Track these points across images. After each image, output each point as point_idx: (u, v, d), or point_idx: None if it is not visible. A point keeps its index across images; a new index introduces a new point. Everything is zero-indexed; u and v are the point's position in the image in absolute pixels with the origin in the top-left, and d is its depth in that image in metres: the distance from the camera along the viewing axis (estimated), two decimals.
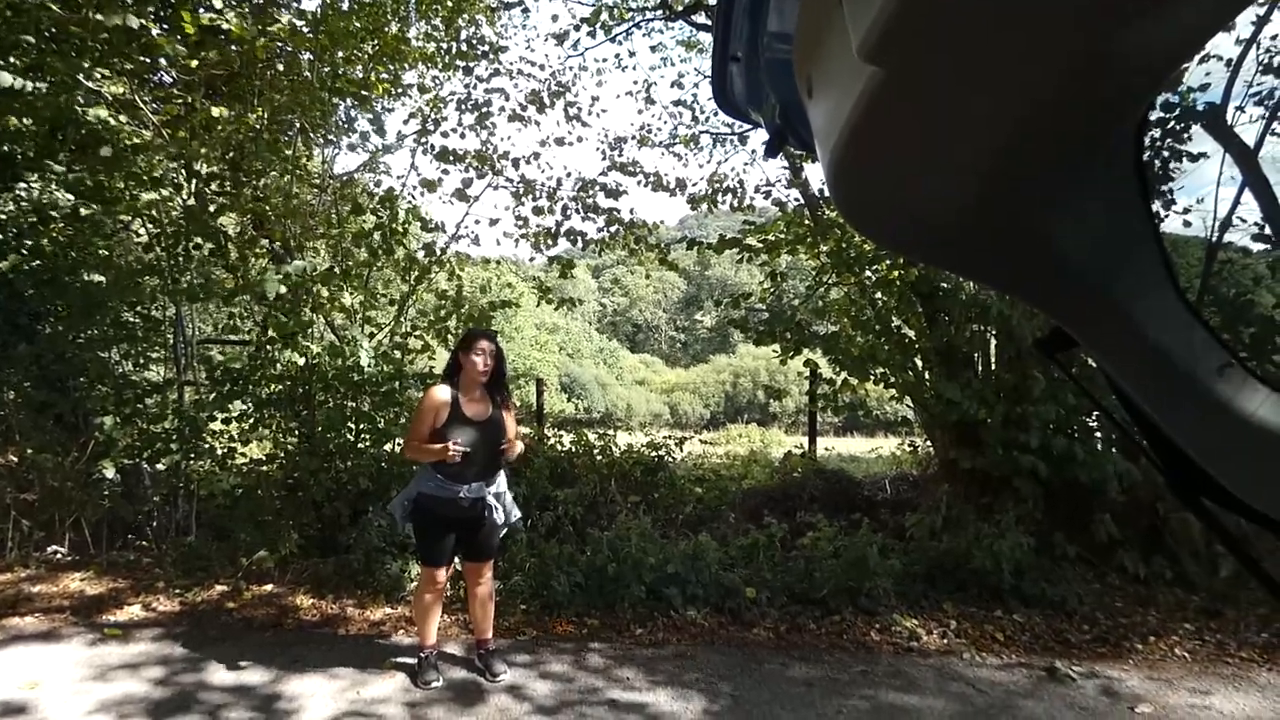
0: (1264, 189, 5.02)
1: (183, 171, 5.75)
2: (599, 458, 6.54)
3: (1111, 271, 0.67)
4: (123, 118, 5.39)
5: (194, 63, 5.43)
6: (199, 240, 5.81)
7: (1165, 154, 5.17)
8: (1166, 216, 5.47)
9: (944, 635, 4.19)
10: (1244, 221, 5.29)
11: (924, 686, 3.59)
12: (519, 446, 3.72)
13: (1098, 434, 5.19)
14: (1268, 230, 5.23)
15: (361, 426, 5.63)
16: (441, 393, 3.43)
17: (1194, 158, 5.33)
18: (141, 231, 5.73)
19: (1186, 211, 5.54)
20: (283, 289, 5.04)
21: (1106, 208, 0.65)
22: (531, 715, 3.24)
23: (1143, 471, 4.75)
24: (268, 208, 6.00)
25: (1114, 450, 4.99)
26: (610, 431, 7.11)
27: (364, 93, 6.64)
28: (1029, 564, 4.57)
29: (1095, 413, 5.02)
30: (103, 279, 5.49)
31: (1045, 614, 4.38)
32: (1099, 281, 0.67)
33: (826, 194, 6.52)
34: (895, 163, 0.61)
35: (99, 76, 5.39)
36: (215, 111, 5.14)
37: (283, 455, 5.73)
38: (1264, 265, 5.54)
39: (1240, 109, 5.53)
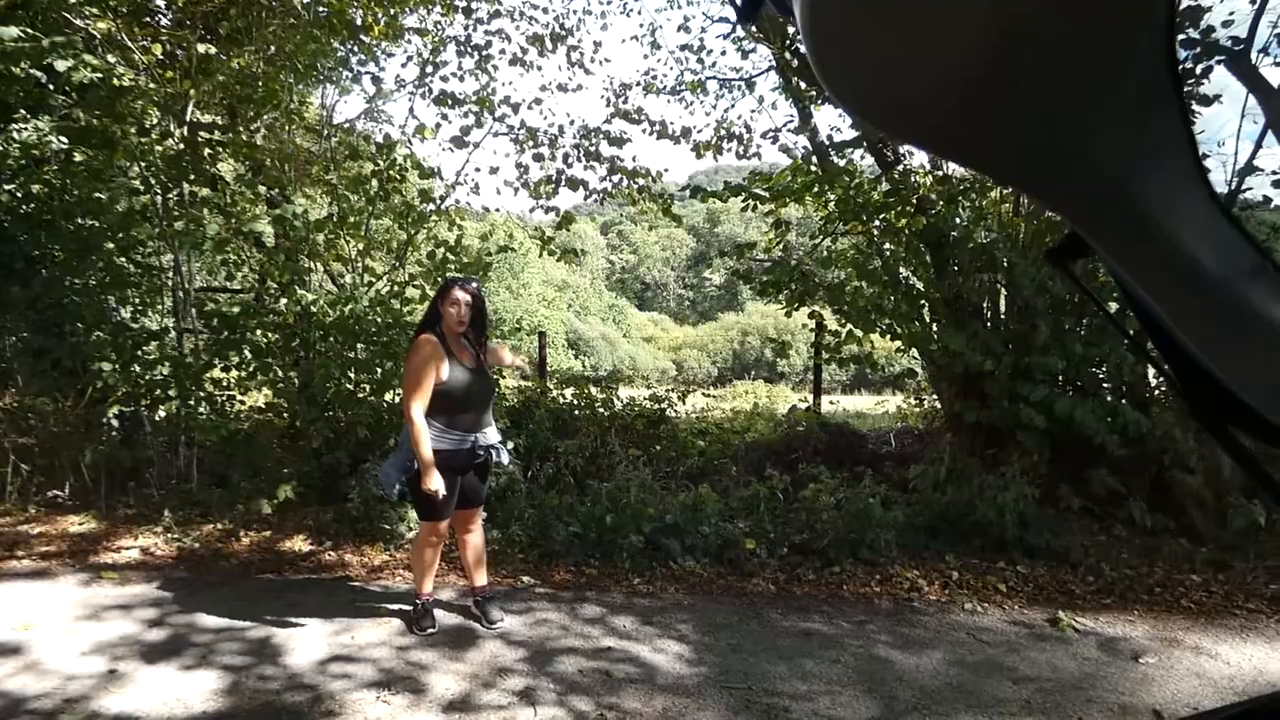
0: None
1: (172, 117, 5.61)
2: (601, 410, 6.48)
3: (1135, 161, 0.56)
4: (111, 58, 5.24)
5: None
6: (194, 187, 5.72)
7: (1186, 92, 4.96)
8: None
9: (945, 586, 4.14)
10: (1263, 170, 5.11)
11: (923, 637, 3.55)
12: (515, 359, 3.90)
13: (1105, 385, 5.07)
14: None
15: (362, 376, 5.58)
16: (434, 343, 3.30)
17: (1207, 101, 5.12)
18: (135, 174, 5.60)
19: (1205, 158, 5.34)
20: (271, 230, 4.94)
21: (1135, 91, 0.54)
22: (523, 662, 3.22)
23: (1152, 421, 4.65)
24: (266, 153, 5.87)
25: (1123, 401, 4.88)
26: (612, 385, 7.03)
27: (362, 37, 6.45)
28: (1033, 515, 4.50)
29: (1102, 362, 4.90)
30: (96, 223, 5.39)
31: (1049, 565, 4.33)
32: (1120, 171, 0.56)
33: (834, 138, 6.34)
34: (883, 11, 0.50)
35: (88, 14, 5.23)
36: (202, 48, 4.98)
37: (282, 403, 5.70)
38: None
39: (1264, 51, 5.29)
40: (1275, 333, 0.56)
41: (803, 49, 0.56)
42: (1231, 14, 5.49)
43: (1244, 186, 5.12)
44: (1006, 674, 3.19)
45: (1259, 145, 5.10)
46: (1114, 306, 4.72)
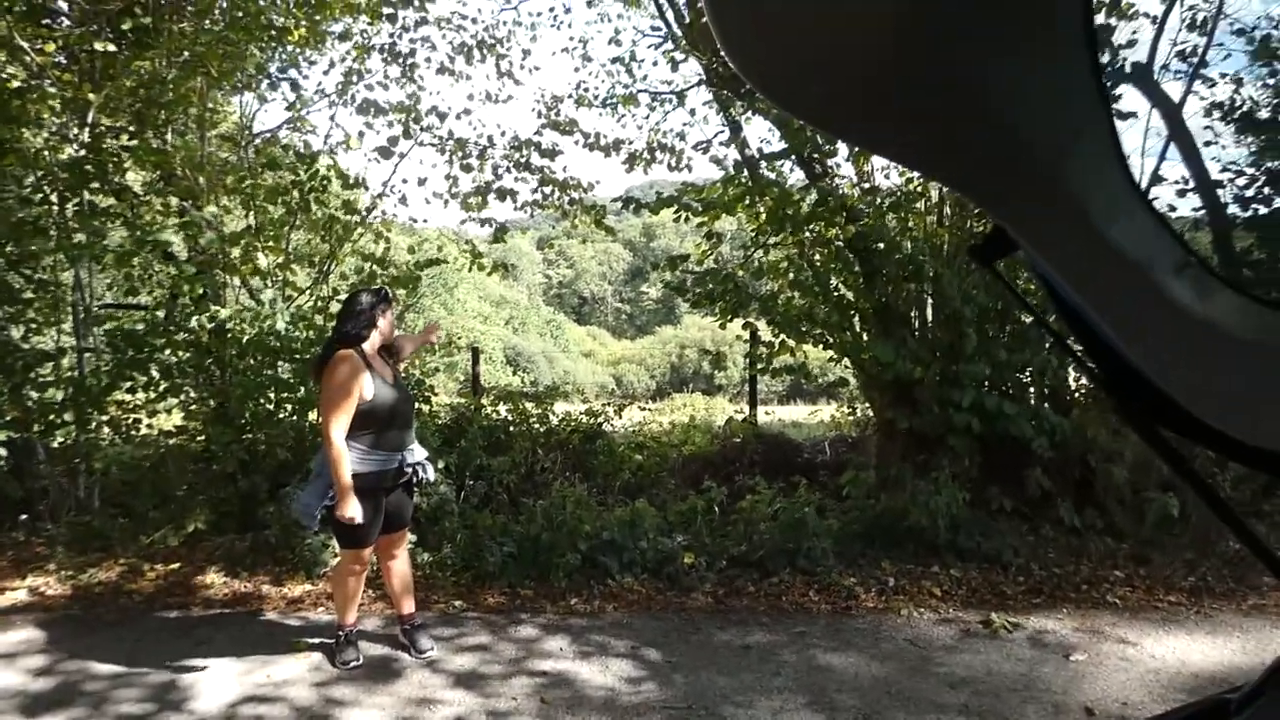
0: (1188, 144, 5.08)
1: (74, 121, 5.27)
2: (536, 426, 6.33)
3: (1062, 155, 0.51)
4: (1, 57, 4.89)
5: None
6: (95, 197, 5.36)
7: None
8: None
9: (882, 593, 4.15)
10: (1165, 179, 5.38)
11: (861, 644, 3.54)
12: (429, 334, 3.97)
13: (1030, 389, 5.21)
14: (1191, 185, 5.31)
15: (283, 395, 5.29)
16: (355, 359, 3.10)
17: (1124, 116, 5.36)
18: (28, 182, 5.22)
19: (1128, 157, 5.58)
20: (180, 241, 4.66)
21: (1057, 77, 0.49)
22: (451, 690, 3.06)
23: (1074, 423, 4.79)
24: (175, 161, 5.55)
25: (1045, 405, 5.02)
26: (548, 400, 6.88)
27: (285, 43, 6.19)
28: (964, 519, 4.56)
29: (1026, 368, 5.04)
30: None
31: (981, 568, 4.39)
32: (1050, 164, 0.52)
33: (763, 150, 6.39)
34: None
35: None
36: (99, 46, 4.69)
37: (194, 426, 5.37)
38: (1186, 226, 5.66)
39: (1165, 67, 5.57)
40: (1200, 328, 0.53)
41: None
42: (1135, 32, 5.78)
43: (1150, 197, 5.36)
44: (943, 677, 3.19)
45: (1162, 157, 5.36)
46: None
